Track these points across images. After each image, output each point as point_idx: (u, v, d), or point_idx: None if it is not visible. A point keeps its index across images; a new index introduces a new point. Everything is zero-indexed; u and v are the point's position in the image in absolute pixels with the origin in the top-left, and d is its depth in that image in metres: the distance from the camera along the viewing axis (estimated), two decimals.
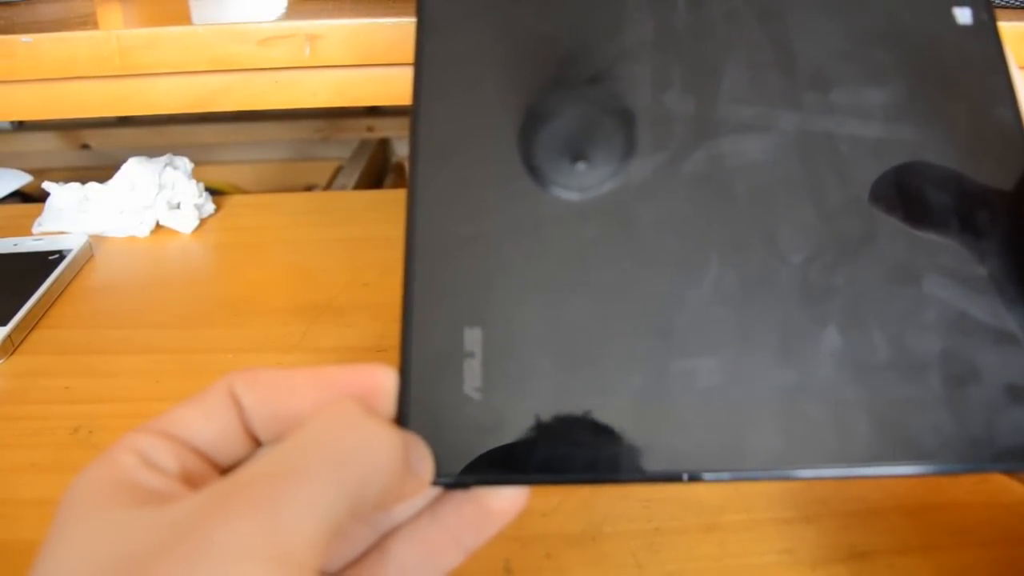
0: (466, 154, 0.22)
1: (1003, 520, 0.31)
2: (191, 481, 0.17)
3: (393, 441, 0.17)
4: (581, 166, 0.22)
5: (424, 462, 0.19)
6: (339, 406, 0.17)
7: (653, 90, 0.22)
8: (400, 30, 0.43)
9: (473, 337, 0.20)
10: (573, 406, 0.19)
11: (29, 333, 0.44)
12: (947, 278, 0.20)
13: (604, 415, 0.19)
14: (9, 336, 0.42)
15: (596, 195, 0.21)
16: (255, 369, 0.19)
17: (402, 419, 0.19)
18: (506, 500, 0.19)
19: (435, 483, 0.19)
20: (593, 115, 0.22)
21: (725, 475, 0.19)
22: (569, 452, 0.19)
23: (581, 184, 0.22)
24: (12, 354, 0.43)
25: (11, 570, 0.30)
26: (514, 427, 0.19)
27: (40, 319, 0.46)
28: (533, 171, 0.22)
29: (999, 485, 0.33)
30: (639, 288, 0.20)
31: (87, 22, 0.45)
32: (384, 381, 0.19)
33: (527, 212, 0.21)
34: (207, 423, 0.18)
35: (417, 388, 0.19)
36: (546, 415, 0.19)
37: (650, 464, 0.19)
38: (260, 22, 0.43)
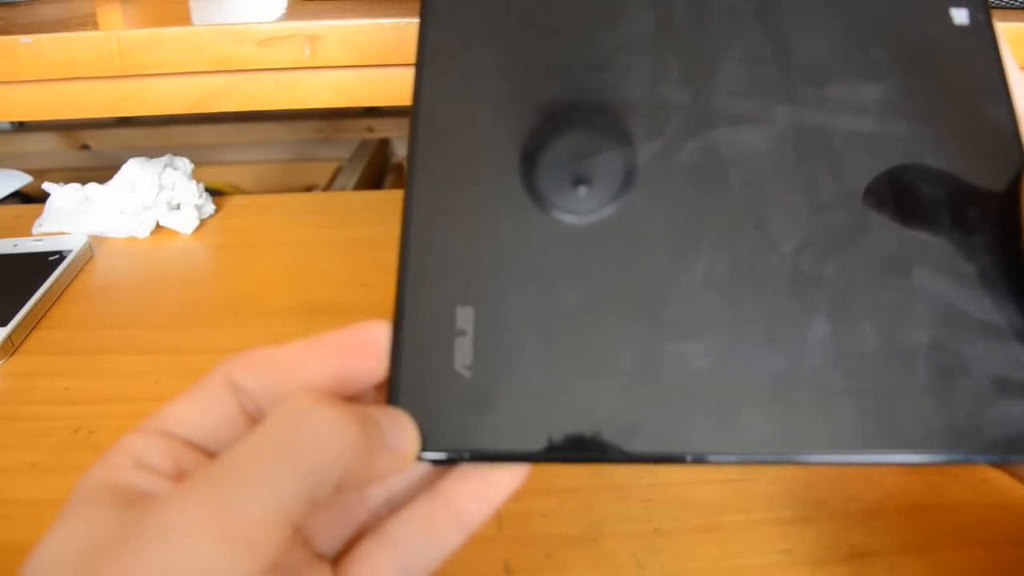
0: (464, 137, 0.22)
1: (1003, 520, 0.31)
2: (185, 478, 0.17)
3: (344, 427, 0.17)
4: (577, 155, 0.22)
5: (405, 437, 0.19)
6: (292, 398, 0.17)
7: (650, 80, 0.23)
8: (400, 30, 0.43)
9: (465, 316, 0.20)
10: (561, 385, 0.20)
11: (29, 333, 0.44)
12: (937, 271, 0.21)
13: (592, 395, 0.20)
14: (9, 336, 0.42)
15: (592, 181, 0.22)
16: (250, 353, 0.19)
17: (391, 395, 0.19)
18: (508, 470, 0.20)
19: (421, 458, 0.19)
20: (590, 105, 0.23)
21: (713, 457, 0.19)
22: (556, 431, 0.19)
23: (577, 173, 0.22)
24: (12, 354, 0.43)
25: (11, 570, 0.30)
26: (503, 405, 0.19)
27: (40, 320, 0.46)
28: (530, 157, 0.22)
29: (999, 485, 0.33)
30: (630, 271, 0.21)
31: (87, 22, 0.45)
32: (377, 335, 0.19)
33: (522, 195, 0.21)
34: (203, 416, 0.18)
35: (407, 364, 0.20)
36: (534, 394, 0.19)
37: (636, 445, 0.19)
38: (260, 22, 0.43)
